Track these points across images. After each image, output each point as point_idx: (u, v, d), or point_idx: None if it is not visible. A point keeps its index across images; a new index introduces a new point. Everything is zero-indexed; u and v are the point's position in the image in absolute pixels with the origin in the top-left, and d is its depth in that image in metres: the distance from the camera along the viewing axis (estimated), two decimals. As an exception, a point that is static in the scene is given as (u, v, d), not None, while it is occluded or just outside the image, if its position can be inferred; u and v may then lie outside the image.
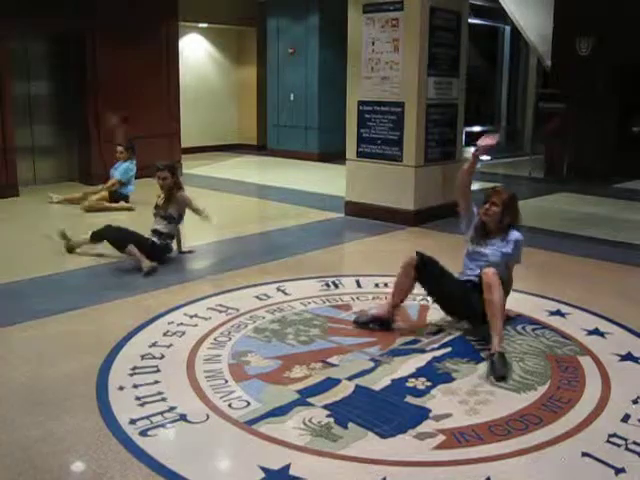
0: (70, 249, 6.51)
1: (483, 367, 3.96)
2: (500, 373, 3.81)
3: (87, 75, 10.65)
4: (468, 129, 12.84)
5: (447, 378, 3.82)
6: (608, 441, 3.15)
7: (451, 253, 6.75)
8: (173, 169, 6.55)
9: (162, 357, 4.09)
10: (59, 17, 10.04)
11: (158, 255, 6.15)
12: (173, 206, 6.36)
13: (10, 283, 5.67)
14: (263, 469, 2.90)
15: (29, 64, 10.56)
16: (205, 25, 15.03)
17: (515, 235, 4.62)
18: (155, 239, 6.22)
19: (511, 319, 4.69)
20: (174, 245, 6.51)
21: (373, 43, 7.97)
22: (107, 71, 10.77)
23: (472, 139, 14.57)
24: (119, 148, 9.14)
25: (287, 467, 2.92)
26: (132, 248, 6.01)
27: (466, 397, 3.59)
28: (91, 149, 10.82)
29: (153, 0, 11.40)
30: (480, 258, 4.57)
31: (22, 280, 5.75)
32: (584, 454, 3.03)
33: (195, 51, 15.25)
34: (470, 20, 8.98)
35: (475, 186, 10.81)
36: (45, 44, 10.85)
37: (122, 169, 8.98)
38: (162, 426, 3.28)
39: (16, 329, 4.60)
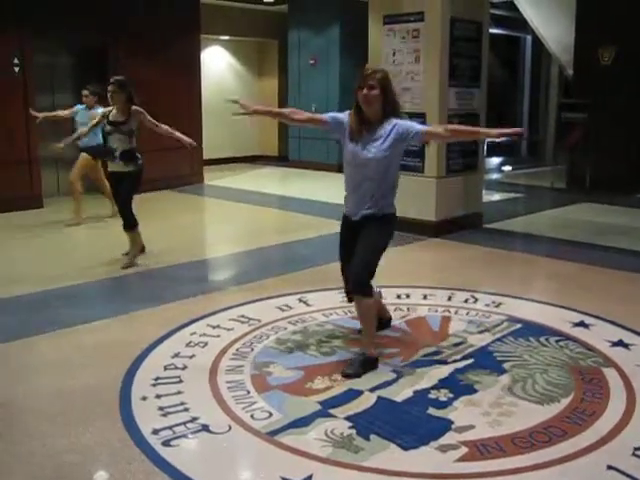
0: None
1: (506, 379, 3.93)
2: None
3: (110, 88, 10.77)
4: (490, 140, 12.81)
5: (469, 390, 3.80)
6: (634, 454, 3.11)
7: (473, 264, 6.76)
8: (122, 83, 6.46)
9: (185, 368, 4.11)
10: (82, 31, 10.19)
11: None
12: (132, 121, 6.44)
13: (37, 293, 5.73)
14: (285, 480, 2.91)
15: (53, 77, 10.70)
16: (227, 38, 15.14)
17: (395, 120, 4.01)
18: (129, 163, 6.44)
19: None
20: None
21: (394, 54, 7.98)
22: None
23: (494, 150, 14.60)
24: (84, 92, 8.63)
25: (309, 478, 2.92)
26: (136, 233, 6.49)
27: (489, 409, 3.57)
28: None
29: (176, 13, 11.53)
30: (364, 166, 4.09)
31: (48, 290, 5.81)
32: (609, 467, 3.00)
33: (217, 63, 15.37)
34: (491, 30, 8.97)
35: (496, 197, 10.88)
36: (68, 57, 11.00)
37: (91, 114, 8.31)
38: (185, 436, 3.29)
39: (42, 339, 4.65)
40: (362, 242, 4.14)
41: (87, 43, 10.62)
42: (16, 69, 9.54)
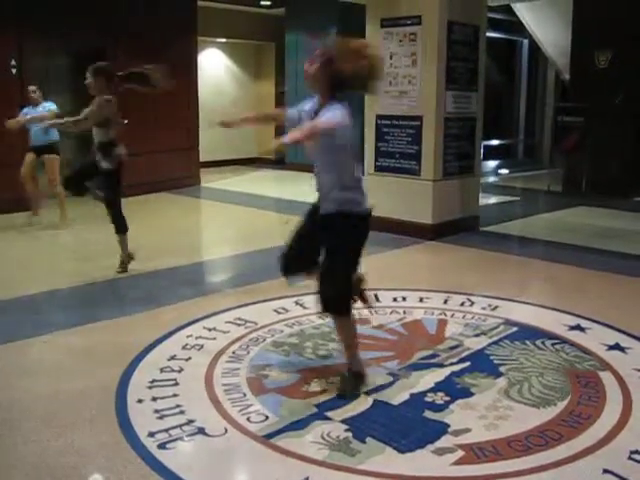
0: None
1: (502, 382, 3.93)
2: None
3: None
4: (486, 143, 12.84)
5: (466, 393, 3.80)
6: (630, 458, 3.11)
7: (469, 267, 6.76)
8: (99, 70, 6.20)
9: (181, 370, 4.10)
10: (80, 31, 10.19)
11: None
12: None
13: (31, 295, 5.72)
14: (281, 483, 2.91)
15: (50, 80, 10.69)
16: (224, 40, 15.15)
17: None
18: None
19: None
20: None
21: (391, 57, 7.99)
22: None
23: (490, 153, 14.62)
24: (32, 87, 8.47)
25: (305, 481, 2.92)
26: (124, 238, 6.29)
27: (485, 412, 3.57)
28: (110, 163, 10.92)
29: (172, 16, 11.54)
30: None
31: (42, 292, 5.81)
32: (605, 471, 3.00)
33: (214, 66, 15.38)
34: (488, 34, 8.98)
35: (493, 200, 10.89)
36: (67, 58, 10.99)
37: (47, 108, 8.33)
38: (181, 439, 3.29)
39: (37, 341, 4.64)
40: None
41: (85, 44, 10.60)
42: (13, 70, 9.54)
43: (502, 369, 4.12)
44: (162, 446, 3.21)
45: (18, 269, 6.69)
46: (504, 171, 14.97)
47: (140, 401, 3.69)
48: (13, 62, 9.53)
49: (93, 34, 10.39)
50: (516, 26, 14.46)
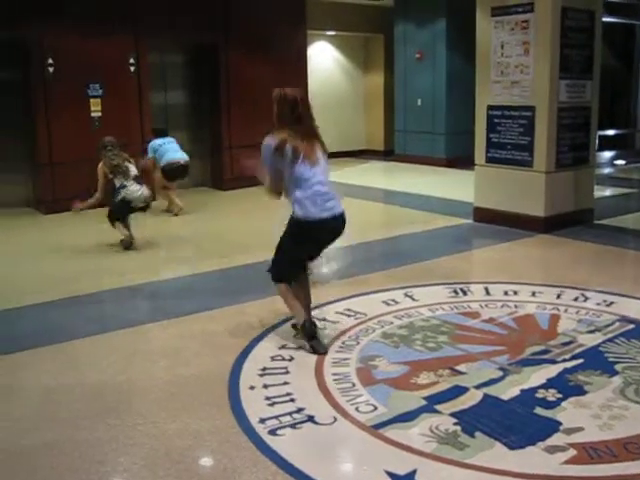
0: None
1: (618, 380, 3.81)
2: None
3: (220, 84, 11.05)
4: (602, 133, 12.38)
5: (579, 391, 3.71)
6: None
7: (583, 261, 6.57)
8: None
9: (291, 359, 4.19)
10: (194, 30, 10.51)
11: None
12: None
13: (149, 283, 5.98)
14: (389, 474, 2.93)
15: (166, 76, 11.09)
16: (333, 33, 15.23)
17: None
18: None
19: None
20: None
21: (502, 46, 7.84)
22: (239, 80, 11.15)
23: (606, 143, 14.08)
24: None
25: (413, 473, 2.93)
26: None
27: (599, 411, 3.47)
28: (222, 156, 11.21)
29: (283, 10, 11.70)
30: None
31: (160, 281, 6.06)
32: None
33: (323, 59, 15.48)
34: (604, 19, 8.66)
35: (608, 192, 10.50)
36: (180, 57, 11.36)
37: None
38: (291, 426, 3.36)
39: (155, 327, 4.86)
40: None
41: (197, 41, 10.94)
42: (132, 68, 9.94)
43: (617, 367, 4.00)
44: (272, 432, 3.30)
45: (127, 259, 6.97)
46: (620, 162, 14.40)
47: (252, 388, 3.80)
48: (132, 60, 9.92)
49: (205, 30, 10.69)
50: (634, 10, 13.85)
